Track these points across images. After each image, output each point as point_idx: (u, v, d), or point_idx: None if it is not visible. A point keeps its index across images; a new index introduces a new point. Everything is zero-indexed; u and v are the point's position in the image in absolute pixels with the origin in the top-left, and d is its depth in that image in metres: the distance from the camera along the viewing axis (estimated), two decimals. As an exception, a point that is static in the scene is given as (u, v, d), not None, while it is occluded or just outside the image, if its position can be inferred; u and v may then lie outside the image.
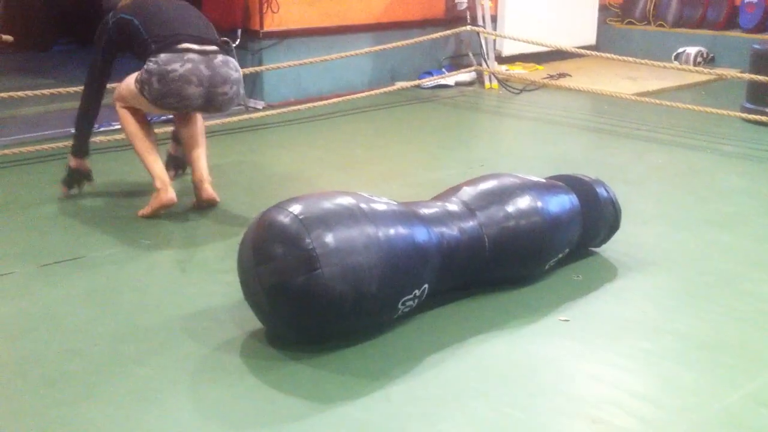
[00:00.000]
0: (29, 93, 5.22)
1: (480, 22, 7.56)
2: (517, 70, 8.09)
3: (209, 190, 4.07)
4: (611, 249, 3.61)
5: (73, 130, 4.32)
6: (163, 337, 2.85)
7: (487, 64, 7.60)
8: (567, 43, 7.21)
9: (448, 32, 7.30)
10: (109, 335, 2.85)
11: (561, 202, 3.29)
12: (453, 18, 7.67)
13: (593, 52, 6.87)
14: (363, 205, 2.77)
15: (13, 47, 7.19)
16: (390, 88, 7.02)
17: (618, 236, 3.63)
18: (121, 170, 4.90)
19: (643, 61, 6.32)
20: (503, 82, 7.60)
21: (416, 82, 7.36)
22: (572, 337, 2.86)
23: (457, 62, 7.92)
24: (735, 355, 2.74)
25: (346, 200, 2.78)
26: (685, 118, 6.16)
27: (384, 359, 2.70)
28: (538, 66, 8.31)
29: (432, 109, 6.79)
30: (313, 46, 6.77)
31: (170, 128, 4.75)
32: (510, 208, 3.13)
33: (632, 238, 3.72)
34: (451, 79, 7.56)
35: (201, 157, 4.12)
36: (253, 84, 6.70)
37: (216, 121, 5.78)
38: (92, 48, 4.34)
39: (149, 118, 4.30)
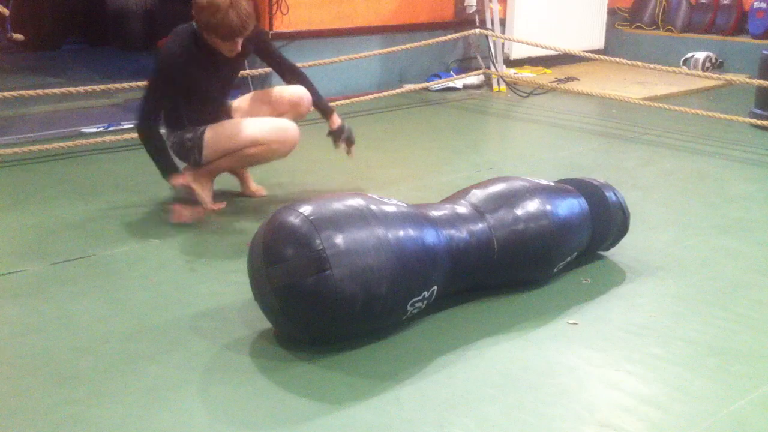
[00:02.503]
0: (39, 92, 5.24)
1: (489, 25, 7.57)
2: (526, 73, 8.09)
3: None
4: (620, 253, 3.61)
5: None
6: (173, 335, 2.86)
7: (495, 67, 7.60)
8: (575, 47, 7.21)
9: (457, 35, 7.31)
10: (119, 333, 2.87)
11: (570, 206, 3.30)
12: (462, 21, 7.67)
13: (601, 56, 6.89)
14: (373, 207, 2.77)
15: (23, 46, 7.23)
16: (398, 91, 7.03)
17: (627, 241, 3.63)
18: (130, 170, 4.91)
19: (651, 66, 6.31)
20: (511, 85, 7.60)
21: (424, 85, 7.36)
22: (582, 341, 2.87)
23: (465, 65, 7.92)
24: (745, 362, 2.73)
25: (356, 202, 2.78)
26: (693, 124, 6.16)
27: (393, 361, 2.70)
28: (546, 69, 8.31)
29: (440, 112, 6.79)
30: (321, 47, 6.78)
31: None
32: (519, 211, 3.14)
33: (641, 243, 3.72)
34: (459, 81, 7.56)
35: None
36: (262, 85, 6.70)
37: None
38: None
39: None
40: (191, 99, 3.98)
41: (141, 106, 3.96)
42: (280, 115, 4.19)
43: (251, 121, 4.05)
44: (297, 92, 4.25)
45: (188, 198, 3.93)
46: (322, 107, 4.38)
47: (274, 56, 4.36)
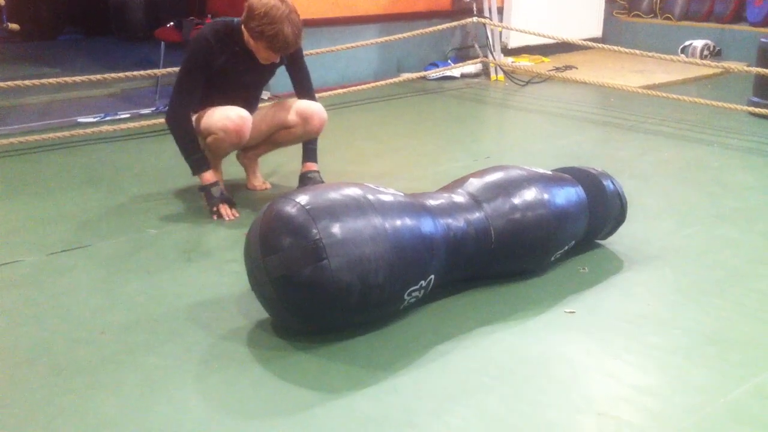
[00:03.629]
0: (35, 82, 5.22)
1: (486, 14, 7.54)
2: (523, 62, 8.07)
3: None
4: (617, 242, 3.61)
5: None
6: (170, 326, 2.85)
7: (493, 56, 7.59)
8: (573, 36, 7.19)
9: (455, 24, 7.29)
10: (116, 324, 2.86)
11: (567, 195, 3.29)
12: (459, 9, 7.66)
13: (599, 45, 6.86)
14: (370, 196, 2.77)
15: (19, 36, 7.21)
16: (396, 80, 7.02)
17: (624, 230, 3.62)
18: (127, 160, 4.91)
19: (649, 54, 6.30)
20: (509, 74, 7.59)
21: (422, 74, 7.35)
22: (578, 330, 2.86)
23: (463, 54, 7.91)
24: (742, 351, 2.73)
25: (353, 191, 2.78)
26: (691, 112, 6.15)
27: (390, 350, 2.70)
28: (544, 58, 8.29)
29: (438, 101, 6.78)
30: (319, 36, 6.75)
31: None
32: (516, 200, 3.13)
33: (638, 232, 3.72)
34: (457, 70, 7.55)
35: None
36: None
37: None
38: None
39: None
40: (210, 92, 3.91)
41: (171, 95, 3.90)
42: (288, 126, 4.09)
43: (211, 111, 3.92)
44: (311, 107, 4.10)
45: (224, 197, 3.91)
46: (309, 147, 4.23)
47: (301, 71, 4.17)
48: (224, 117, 3.86)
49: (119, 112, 5.92)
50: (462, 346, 2.73)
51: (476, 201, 3.11)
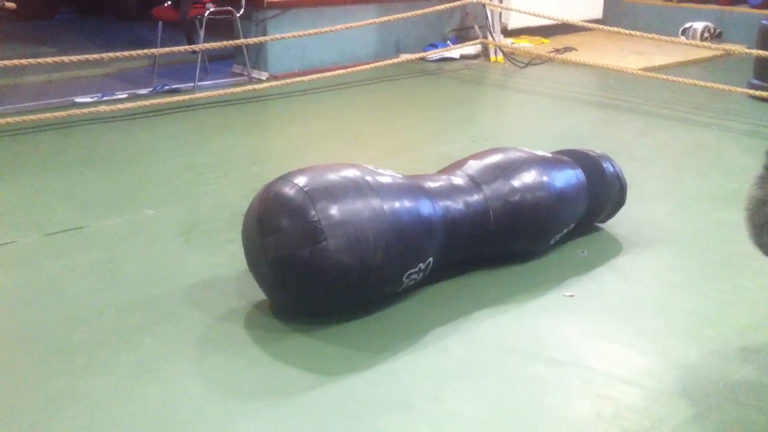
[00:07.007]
0: (32, 61, 5.18)
1: (486, -5, 7.49)
2: (523, 43, 8.03)
3: None
4: (616, 225, 3.59)
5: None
6: (167, 307, 2.84)
7: (492, 37, 7.54)
8: (573, 17, 7.15)
9: (454, 4, 7.24)
10: (113, 305, 2.85)
11: (567, 177, 3.27)
12: (459, -10, 7.60)
13: (600, 26, 6.82)
14: (368, 178, 2.75)
15: (16, 15, 7.15)
16: (395, 61, 6.97)
17: (623, 212, 3.61)
18: (124, 140, 4.88)
19: (649, 36, 6.26)
20: (509, 55, 7.55)
21: (421, 55, 7.31)
22: (578, 313, 2.86)
23: (462, 35, 7.86)
24: (741, 334, 2.72)
25: (351, 173, 2.76)
26: (691, 94, 6.12)
27: (389, 333, 2.69)
28: (544, 39, 8.25)
29: (437, 82, 6.74)
30: (317, 16, 6.72)
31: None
32: (516, 183, 3.11)
33: (637, 215, 3.70)
34: (456, 51, 7.51)
35: None
36: (257, 55, 6.66)
37: (219, 92, 5.75)
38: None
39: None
40: None
41: None
42: None
43: None
44: None
45: None
46: None
47: None
48: None
49: (116, 92, 5.89)
50: (461, 329, 2.72)
51: (475, 183, 3.09)
